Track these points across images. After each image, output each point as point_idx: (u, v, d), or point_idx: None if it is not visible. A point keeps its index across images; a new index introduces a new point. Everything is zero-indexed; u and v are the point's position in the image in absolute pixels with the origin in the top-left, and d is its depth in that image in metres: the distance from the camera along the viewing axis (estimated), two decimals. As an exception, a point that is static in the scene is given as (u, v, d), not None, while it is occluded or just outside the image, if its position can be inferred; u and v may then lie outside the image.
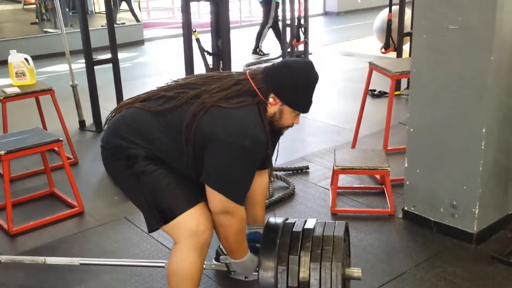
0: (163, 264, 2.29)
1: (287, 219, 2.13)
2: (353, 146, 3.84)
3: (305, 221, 2.06)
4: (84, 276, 2.55)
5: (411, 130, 2.81)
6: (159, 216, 1.94)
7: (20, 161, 3.67)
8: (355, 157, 3.14)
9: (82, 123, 4.70)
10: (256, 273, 2.02)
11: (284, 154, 3.95)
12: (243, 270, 2.13)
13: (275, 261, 1.91)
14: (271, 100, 1.93)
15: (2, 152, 2.85)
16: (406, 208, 2.92)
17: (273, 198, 3.19)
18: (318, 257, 1.89)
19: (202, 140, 1.86)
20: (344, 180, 3.41)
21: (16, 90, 3.70)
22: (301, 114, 2.04)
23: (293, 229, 2.00)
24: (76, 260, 2.42)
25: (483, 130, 2.50)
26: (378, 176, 3.37)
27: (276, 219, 2.13)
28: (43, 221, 3.04)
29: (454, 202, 2.68)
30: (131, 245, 2.81)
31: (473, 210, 2.62)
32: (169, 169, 1.95)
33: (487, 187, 2.63)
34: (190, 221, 1.91)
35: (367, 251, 2.67)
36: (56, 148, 3.19)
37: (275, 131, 2.04)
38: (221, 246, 2.51)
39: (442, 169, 2.71)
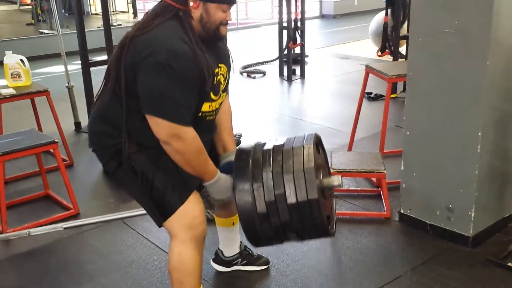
0: (143, 212, 2.14)
1: (258, 141, 2.06)
2: (350, 148, 3.84)
3: (276, 139, 2.02)
4: (80, 278, 2.53)
5: (408, 133, 2.82)
6: (159, 213, 1.95)
7: (14, 162, 3.66)
8: (352, 160, 3.14)
9: (77, 124, 4.68)
10: (233, 197, 1.95)
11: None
12: (219, 192, 2.00)
13: (250, 180, 1.87)
14: (191, 3, 1.85)
15: (-3, 154, 2.84)
16: (402, 211, 2.92)
17: (269, 200, 3.18)
18: (290, 167, 1.85)
19: (132, 73, 1.82)
20: (340, 183, 3.40)
21: (11, 91, 3.68)
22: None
23: (264, 148, 1.96)
24: (59, 226, 2.37)
25: (479, 134, 2.51)
26: (374, 179, 3.38)
27: (247, 143, 2.08)
28: (38, 223, 3.02)
29: (450, 205, 2.69)
30: (127, 247, 2.80)
31: (469, 213, 2.62)
32: (153, 155, 1.92)
33: (483, 190, 2.63)
34: (185, 215, 1.91)
35: (364, 254, 2.67)
36: (51, 150, 3.17)
37: (213, 36, 1.92)
38: (220, 248, 2.51)
39: (438, 172, 2.71)
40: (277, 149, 1.94)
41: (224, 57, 2.02)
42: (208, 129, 2.06)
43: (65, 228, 2.34)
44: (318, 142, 2.02)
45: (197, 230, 1.93)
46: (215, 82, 1.93)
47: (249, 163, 1.90)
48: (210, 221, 2.47)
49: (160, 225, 1.98)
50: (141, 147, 1.94)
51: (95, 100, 2.07)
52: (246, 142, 2.07)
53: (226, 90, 2.07)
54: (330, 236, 1.99)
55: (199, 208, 1.95)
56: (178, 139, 1.82)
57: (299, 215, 1.84)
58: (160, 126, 1.81)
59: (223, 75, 2.00)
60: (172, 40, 1.79)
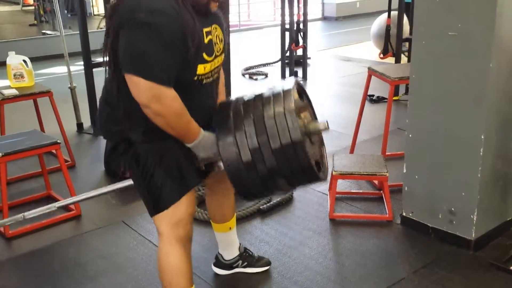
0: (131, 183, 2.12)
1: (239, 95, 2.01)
2: (352, 151, 3.84)
3: (257, 90, 1.98)
4: (81, 279, 2.54)
5: (410, 135, 2.81)
6: (152, 205, 1.95)
7: (17, 163, 3.66)
8: (354, 162, 3.13)
9: (80, 125, 4.69)
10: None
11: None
12: (205, 149, 1.92)
13: (232, 130, 1.83)
14: None
15: (0, 154, 2.84)
16: (404, 214, 2.92)
17: (271, 203, 3.19)
18: (271, 112, 1.80)
19: (116, 33, 1.75)
20: (343, 185, 3.40)
21: (14, 92, 3.69)
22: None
23: (245, 99, 1.92)
24: (53, 206, 2.34)
25: (482, 137, 2.50)
26: (376, 182, 3.37)
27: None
28: (40, 224, 3.03)
29: (452, 209, 2.68)
30: (128, 249, 2.80)
31: (471, 216, 2.62)
32: (157, 149, 1.90)
33: (485, 193, 2.63)
34: (173, 215, 1.92)
35: (365, 256, 2.67)
36: (53, 151, 3.17)
37: (202, 11, 1.84)
38: (220, 252, 2.50)
39: (441, 175, 2.71)
40: (258, 97, 1.89)
41: (216, 18, 1.96)
42: (208, 93, 1.99)
43: (58, 208, 2.32)
44: (300, 89, 1.97)
45: (182, 231, 1.93)
46: (206, 41, 1.85)
47: (230, 114, 1.86)
48: (209, 225, 2.47)
49: (151, 216, 1.98)
50: (146, 137, 1.90)
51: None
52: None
53: (223, 52, 2.00)
54: (321, 180, 1.92)
55: (189, 211, 1.95)
56: (157, 101, 1.75)
57: (285, 158, 1.79)
58: (138, 87, 1.73)
59: (218, 36, 1.94)
60: (158, 1, 1.72)
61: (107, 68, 1.89)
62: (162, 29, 1.69)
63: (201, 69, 1.85)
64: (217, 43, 1.92)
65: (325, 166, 2.02)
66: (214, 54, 1.89)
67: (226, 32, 2.02)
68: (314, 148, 1.93)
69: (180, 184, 1.92)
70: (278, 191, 1.98)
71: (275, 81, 1.90)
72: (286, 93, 1.83)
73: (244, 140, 1.80)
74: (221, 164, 1.89)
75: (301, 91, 1.98)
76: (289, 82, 1.91)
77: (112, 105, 1.93)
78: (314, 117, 2.06)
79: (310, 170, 1.82)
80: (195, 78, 1.85)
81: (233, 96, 2.00)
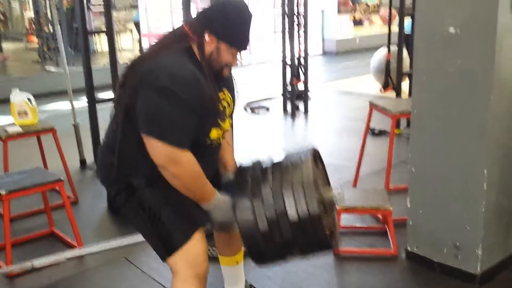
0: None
1: (257, 159, 2.04)
2: (355, 184, 3.84)
3: (274, 156, 2.01)
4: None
5: (413, 170, 2.82)
6: (163, 248, 1.94)
7: (20, 200, 3.65)
8: (357, 196, 3.13)
9: (83, 162, 4.70)
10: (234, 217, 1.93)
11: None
12: (220, 213, 1.97)
13: (250, 198, 1.85)
14: (206, 37, 1.88)
15: (3, 192, 2.84)
16: (409, 249, 2.89)
17: (275, 238, 3.16)
18: (289, 183, 1.83)
19: (134, 92, 1.82)
20: (346, 219, 3.38)
21: (18, 129, 3.71)
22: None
23: (263, 165, 1.95)
24: (62, 257, 2.33)
25: (485, 171, 2.51)
26: (380, 216, 3.36)
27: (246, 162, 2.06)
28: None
29: (457, 243, 2.66)
30: (131, 286, 2.78)
31: (476, 251, 2.60)
32: (161, 191, 1.92)
33: (490, 227, 2.62)
34: (189, 253, 1.90)
35: (371, 293, 2.64)
36: (57, 188, 3.18)
37: (215, 74, 1.93)
38: (226, 287, 2.48)
39: (445, 210, 2.70)
40: (276, 165, 1.92)
41: (228, 83, 2.04)
42: (215, 154, 2.05)
43: (68, 259, 2.31)
44: (316, 156, 2.00)
45: (199, 268, 1.92)
46: (221, 107, 1.95)
47: (248, 181, 1.89)
48: (215, 259, 2.46)
49: (163, 260, 1.97)
50: (149, 181, 1.93)
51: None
52: (246, 161, 2.05)
53: (231, 116, 2.08)
54: (332, 248, 1.96)
55: (203, 247, 1.94)
56: (174, 163, 1.81)
57: (302, 231, 1.81)
58: (156, 149, 1.80)
59: (227, 101, 2.01)
60: (176, 67, 1.80)
61: (115, 118, 1.95)
62: (182, 94, 1.77)
63: (214, 133, 1.94)
64: (226, 107, 2.00)
65: (337, 233, 2.06)
66: (225, 119, 1.99)
67: (236, 93, 2.11)
68: (328, 217, 1.96)
69: (189, 223, 1.93)
70: (291, 258, 2.00)
71: (291, 149, 1.96)
72: (304, 163, 1.88)
73: (262, 210, 1.84)
74: (235, 226, 1.93)
75: (317, 157, 2.02)
76: (306, 151, 1.95)
77: (115, 154, 1.95)
78: (327, 183, 2.11)
79: (325, 242, 1.87)
80: (208, 142, 1.94)
81: (250, 161, 2.04)
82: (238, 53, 1.95)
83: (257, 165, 1.97)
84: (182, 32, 1.92)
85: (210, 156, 2.01)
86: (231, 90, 2.08)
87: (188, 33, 1.90)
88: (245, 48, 1.95)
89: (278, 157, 1.98)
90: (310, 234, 1.82)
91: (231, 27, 1.88)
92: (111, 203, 3.76)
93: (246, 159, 2.09)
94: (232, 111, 2.08)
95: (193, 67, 1.84)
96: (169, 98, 1.76)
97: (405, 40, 5.80)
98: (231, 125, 2.16)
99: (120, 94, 1.90)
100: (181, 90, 1.77)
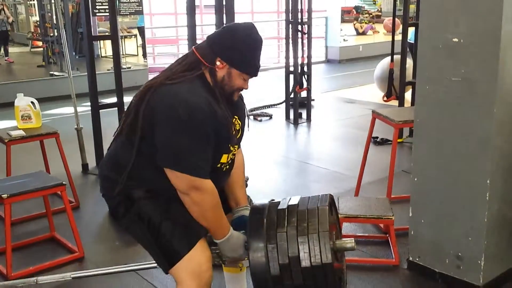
0: (155, 265, 2.13)
1: (272, 199, 2.06)
2: (356, 193, 3.83)
3: (290, 198, 2.02)
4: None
5: (415, 179, 2.81)
6: (165, 260, 1.93)
7: (21, 204, 3.65)
8: (359, 205, 3.12)
9: (85, 166, 4.71)
10: (246, 255, 1.95)
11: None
12: (231, 249, 1.99)
13: (264, 240, 1.86)
14: (218, 63, 1.90)
15: (5, 196, 2.85)
16: (411, 259, 2.88)
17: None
18: (305, 230, 1.84)
19: (150, 124, 1.84)
20: (348, 228, 3.37)
21: (21, 133, 3.72)
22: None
23: (278, 207, 1.96)
24: (68, 275, 2.33)
25: (488, 181, 2.50)
26: (382, 225, 3.35)
27: (261, 201, 2.07)
28: (42, 266, 3.00)
29: (460, 254, 2.65)
30: (131, 292, 2.77)
31: (479, 262, 2.58)
32: (161, 202, 1.93)
33: (492, 238, 2.60)
34: (192, 262, 1.90)
35: (372, 302, 2.62)
36: (59, 192, 3.18)
37: (226, 98, 1.96)
38: None
39: (447, 220, 2.69)
40: (292, 209, 1.94)
41: (238, 109, 2.07)
42: (224, 177, 2.08)
43: (73, 278, 2.31)
44: (331, 203, 2.02)
45: (202, 278, 1.91)
46: (234, 133, 1.98)
47: (264, 222, 1.91)
48: (217, 266, 2.45)
49: (166, 272, 1.96)
50: (150, 193, 1.94)
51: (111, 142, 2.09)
52: (260, 201, 2.08)
53: (240, 140, 2.10)
54: None
55: (206, 255, 1.93)
56: (197, 191, 1.84)
57: (313, 278, 1.83)
58: (179, 179, 1.84)
59: (236, 127, 2.04)
60: (193, 96, 1.83)
61: (120, 132, 1.97)
62: (200, 125, 1.81)
63: (224, 158, 1.96)
64: (235, 132, 2.02)
65: (344, 279, 2.07)
66: (236, 143, 2.02)
67: (247, 118, 2.15)
68: (339, 264, 1.96)
69: (190, 234, 1.92)
70: None
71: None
72: (320, 211, 1.89)
73: (275, 254, 1.85)
74: (243, 263, 1.97)
75: (332, 204, 2.03)
76: (324, 198, 1.97)
77: (119, 168, 1.96)
78: (339, 228, 2.13)
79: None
80: (218, 165, 1.96)
81: (265, 200, 2.05)
82: (249, 78, 1.98)
83: (272, 206, 1.99)
84: (194, 59, 1.94)
85: (220, 179, 2.01)
86: (242, 115, 2.10)
87: (200, 60, 1.92)
88: (256, 74, 1.98)
89: (294, 200, 2.00)
90: (321, 282, 1.84)
91: (242, 54, 1.91)
92: (112, 213, 3.76)
93: (258, 199, 2.11)
94: (241, 137, 2.11)
95: (207, 95, 1.87)
96: (187, 129, 1.79)
97: (410, 49, 5.81)
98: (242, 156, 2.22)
99: (134, 113, 1.90)
100: (198, 121, 1.80)
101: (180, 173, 1.82)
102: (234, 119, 2.01)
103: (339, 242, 1.94)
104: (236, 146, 2.06)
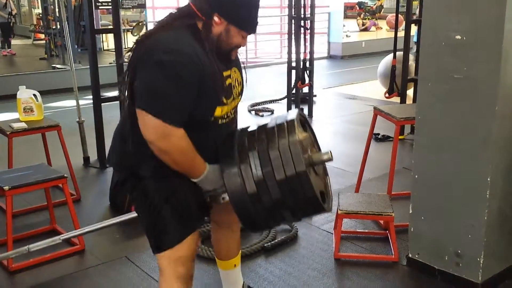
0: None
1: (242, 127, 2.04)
2: (357, 189, 3.83)
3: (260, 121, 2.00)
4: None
5: (416, 176, 2.81)
6: (156, 242, 1.95)
7: (22, 196, 3.67)
8: (359, 202, 3.12)
9: (86, 159, 4.72)
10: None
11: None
12: (211, 183, 1.93)
13: (237, 162, 1.83)
14: (216, 19, 1.85)
15: (7, 188, 2.86)
16: (410, 255, 2.89)
17: (276, 241, 3.17)
18: (275, 144, 1.81)
19: (134, 74, 1.81)
20: (348, 224, 3.38)
21: (23, 125, 3.73)
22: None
23: (248, 130, 1.94)
24: (57, 238, 2.33)
25: (488, 179, 2.50)
26: (382, 222, 3.35)
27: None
28: (43, 258, 3.01)
29: (459, 251, 2.66)
30: (131, 285, 2.78)
31: (478, 259, 2.59)
32: (167, 187, 1.92)
33: (492, 236, 2.61)
34: (177, 252, 1.92)
35: (371, 298, 2.63)
36: (60, 184, 3.19)
37: (223, 55, 1.92)
38: None
39: (447, 217, 2.70)
40: (261, 129, 1.91)
41: (235, 62, 2.03)
42: (223, 132, 2.00)
43: (62, 240, 2.31)
44: (303, 120, 1.99)
45: (183, 269, 1.93)
46: (225, 85, 1.92)
47: (235, 146, 1.88)
48: (213, 263, 2.46)
49: (154, 253, 1.98)
50: (156, 174, 1.91)
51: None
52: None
53: (241, 94, 2.06)
54: (326, 211, 1.92)
55: (192, 249, 1.95)
56: (164, 139, 1.77)
57: (290, 190, 1.80)
58: (147, 124, 1.76)
59: (237, 79, 2.00)
60: (175, 42, 1.78)
61: (125, 102, 1.93)
62: (178, 68, 1.74)
63: (218, 111, 1.90)
64: (235, 86, 1.98)
65: (329, 196, 2.03)
66: (232, 97, 1.96)
67: (244, 71, 2.09)
68: (319, 178, 1.93)
69: (185, 225, 1.93)
70: (284, 223, 1.98)
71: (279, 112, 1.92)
72: (289, 124, 1.85)
73: (249, 172, 1.81)
74: (225, 196, 1.90)
75: (304, 121, 2.01)
76: (292, 113, 1.93)
77: (125, 139, 1.94)
78: (317, 147, 2.09)
79: (315, 201, 1.82)
80: (212, 119, 1.90)
81: (237, 128, 2.03)
82: (247, 35, 1.93)
83: (243, 130, 1.95)
84: (188, 10, 1.88)
85: (218, 133, 1.96)
86: (239, 66, 2.05)
87: (195, 12, 1.86)
88: (254, 31, 1.93)
89: (263, 121, 1.96)
90: (299, 192, 1.80)
91: (242, 10, 1.86)
92: (113, 199, 3.77)
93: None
94: (241, 90, 2.06)
95: (194, 43, 1.81)
96: (164, 73, 1.73)
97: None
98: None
99: (125, 75, 1.87)
100: (177, 65, 1.74)
101: (150, 116, 1.74)
102: (233, 71, 1.97)
103: (315, 154, 1.91)
104: (238, 99, 2.01)
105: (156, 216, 1.92)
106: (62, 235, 2.35)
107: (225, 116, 1.96)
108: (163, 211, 1.91)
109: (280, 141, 1.82)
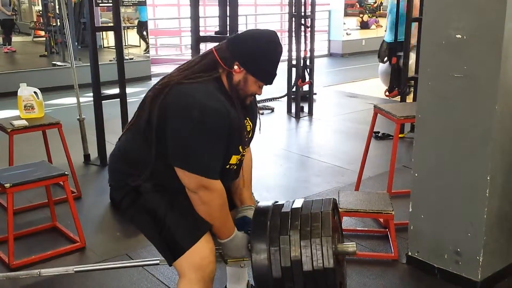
0: (157, 261, 2.19)
1: (276, 201, 2.08)
2: (357, 188, 3.84)
3: (293, 201, 2.04)
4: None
5: (416, 175, 2.82)
6: (169, 252, 1.95)
7: (23, 193, 3.67)
8: (359, 200, 3.13)
9: (87, 157, 4.72)
10: (248, 255, 1.98)
11: (287, 194, 3.96)
12: (235, 249, 2.01)
13: (267, 243, 1.88)
14: (235, 68, 1.90)
15: (8, 185, 2.86)
16: (410, 254, 2.90)
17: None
18: (308, 234, 1.86)
19: (163, 122, 1.85)
20: (348, 222, 3.39)
21: (24, 123, 3.73)
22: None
23: (282, 210, 1.98)
24: (71, 269, 2.34)
25: (488, 178, 2.51)
26: (382, 220, 3.36)
27: (265, 202, 2.09)
28: (44, 255, 3.02)
29: (458, 249, 2.67)
30: (132, 283, 2.79)
31: (478, 257, 2.60)
32: (167, 196, 1.95)
33: (491, 234, 2.62)
34: (194, 255, 1.91)
35: (370, 296, 2.64)
36: (61, 182, 3.19)
37: (241, 100, 1.97)
38: (229, 286, 2.48)
39: (447, 215, 2.70)
40: (295, 213, 1.96)
41: (251, 111, 2.08)
42: (231, 177, 2.09)
43: (76, 272, 2.31)
44: (334, 207, 2.04)
45: (205, 271, 1.92)
46: (246, 134, 2.00)
47: (267, 225, 1.93)
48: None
49: (170, 265, 1.98)
50: (157, 187, 1.95)
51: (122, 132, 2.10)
52: (264, 202, 2.10)
53: (250, 142, 2.12)
54: None
55: (209, 248, 1.94)
56: (205, 190, 1.86)
57: (314, 282, 1.85)
58: (189, 178, 1.85)
59: (247, 129, 2.05)
60: (209, 97, 1.83)
61: (133, 125, 1.98)
62: (214, 127, 1.82)
63: (233, 159, 1.98)
64: (248, 135, 2.04)
65: (345, 284, 2.08)
66: (245, 146, 2.03)
67: (259, 122, 2.16)
68: (339, 267, 1.97)
69: (194, 228, 1.94)
70: None
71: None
72: (324, 216, 1.91)
73: (278, 257, 1.87)
74: (244, 264, 2.01)
75: (335, 209, 2.04)
76: (327, 202, 1.98)
77: (132, 163, 1.98)
78: (341, 231, 2.15)
79: None
80: (228, 167, 1.98)
81: (269, 202, 2.07)
82: (264, 85, 1.98)
83: (276, 208, 2.00)
84: (212, 60, 1.93)
85: (227, 178, 2.02)
86: (253, 117, 2.11)
87: (218, 62, 1.92)
88: (271, 83, 1.99)
89: (297, 204, 2.01)
90: (322, 286, 1.86)
91: (262, 63, 1.92)
92: (117, 203, 3.77)
93: (264, 198, 2.11)
94: (251, 138, 2.12)
95: (222, 97, 1.87)
96: (201, 132, 1.80)
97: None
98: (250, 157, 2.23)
99: (150, 109, 1.89)
100: (213, 123, 1.81)
101: (191, 174, 1.83)
102: (246, 120, 2.03)
103: (340, 246, 1.95)
104: (248, 147, 2.08)
105: (162, 227, 1.93)
106: (75, 266, 2.32)
107: (237, 163, 2.03)
108: (168, 221, 1.92)
109: (313, 232, 1.87)
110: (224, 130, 1.84)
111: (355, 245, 1.95)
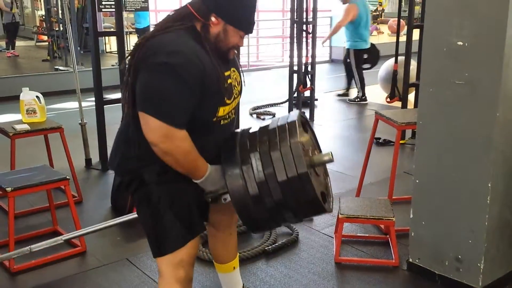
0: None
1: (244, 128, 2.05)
2: (358, 194, 3.84)
3: (261, 123, 2.02)
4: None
5: (417, 181, 2.82)
6: (157, 246, 1.96)
7: (24, 197, 3.68)
8: (360, 206, 3.13)
9: (88, 161, 4.73)
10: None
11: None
12: (213, 183, 1.94)
13: (238, 163, 1.85)
14: (213, 19, 1.86)
15: (9, 189, 2.87)
16: (411, 260, 2.89)
17: (277, 244, 3.17)
18: (277, 145, 1.83)
19: (135, 77, 1.81)
20: (348, 228, 3.39)
21: (25, 127, 3.74)
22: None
23: (250, 131, 1.96)
24: (59, 238, 2.34)
25: (489, 185, 2.51)
26: (382, 226, 3.36)
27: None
28: (45, 259, 3.02)
29: (459, 256, 2.66)
30: (132, 287, 2.79)
31: (478, 264, 2.60)
32: (171, 192, 1.93)
33: (492, 241, 2.61)
34: (176, 258, 1.93)
35: (371, 302, 2.64)
36: (62, 186, 3.20)
37: (221, 55, 1.93)
38: None
39: (448, 222, 2.70)
40: (263, 130, 1.93)
41: (233, 62, 2.04)
42: (225, 132, 2.02)
43: (64, 240, 2.33)
44: (304, 121, 2.00)
45: (183, 272, 1.94)
46: (226, 85, 1.93)
47: (236, 147, 1.89)
48: (212, 266, 2.46)
49: (154, 256, 1.99)
50: (161, 179, 1.93)
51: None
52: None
53: (240, 93, 2.08)
54: (327, 212, 1.93)
55: (192, 253, 1.97)
56: (166, 140, 1.78)
57: (292, 191, 1.81)
58: (149, 125, 1.77)
59: (236, 79, 2.01)
60: (176, 44, 1.79)
61: (125, 105, 1.93)
62: (180, 70, 1.75)
63: (221, 111, 1.92)
64: (235, 86, 2.00)
65: (330, 196, 2.04)
66: (233, 97, 1.97)
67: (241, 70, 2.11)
68: (319, 179, 1.95)
69: (187, 231, 1.94)
70: (285, 223, 2.00)
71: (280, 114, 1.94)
72: (290, 125, 1.87)
73: (251, 173, 1.83)
74: (227, 196, 1.92)
75: (305, 123, 2.02)
76: (293, 114, 1.95)
77: (128, 143, 1.94)
78: (318, 147, 2.10)
79: (316, 202, 1.84)
80: (214, 119, 1.92)
81: (238, 129, 2.05)
82: (245, 34, 1.94)
83: (244, 131, 1.97)
84: (186, 12, 1.90)
85: (220, 133, 1.98)
86: (237, 66, 2.07)
87: (192, 13, 1.88)
88: (251, 31, 1.95)
89: (265, 123, 1.98)
90: (300, 194, 1.81)
91: (239, 11, 1.88)
92: (115, 201, 3.78)
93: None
94: (241, 90, 2.08)
95: (195, 44, 1.82)
96: (166, 74, 1.74)
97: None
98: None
99: (126, 77, 1.88)
100: (179, 66, 1.75)
101: (152, 118, 1.75)
102: (232, 71, 1.99)
103: (316, 156, 1.92)
104: (237, 99, 2.03)
105: (159, 221, 1.93)
106: (64, 235, 2.36)
107: (227, 117, 1.98)
108: (166, 216, 1.92)
109: (281, 142, 1.83)
110: (193, 76, 1.77)
111: (330, 154, 1.90)
